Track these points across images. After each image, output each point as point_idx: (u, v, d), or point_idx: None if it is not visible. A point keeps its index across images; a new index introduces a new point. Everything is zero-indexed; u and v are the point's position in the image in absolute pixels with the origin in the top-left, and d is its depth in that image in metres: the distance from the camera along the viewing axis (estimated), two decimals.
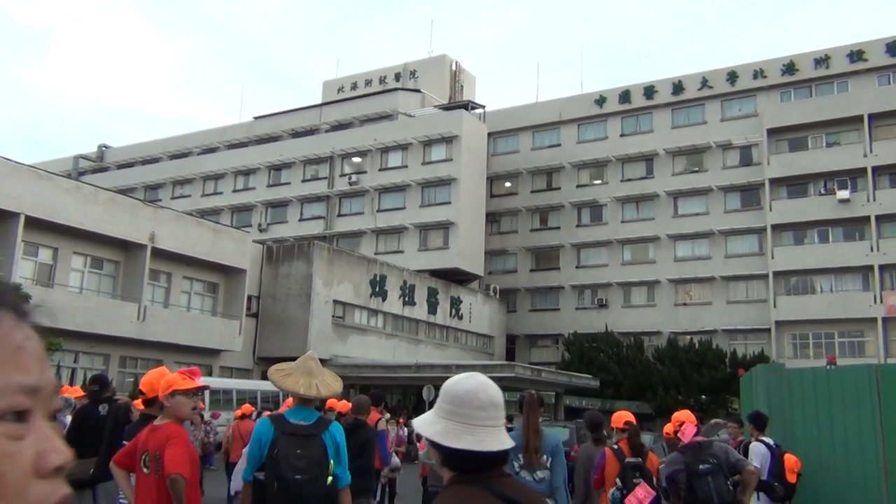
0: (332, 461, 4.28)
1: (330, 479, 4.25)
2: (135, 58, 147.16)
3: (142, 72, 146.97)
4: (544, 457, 5.30)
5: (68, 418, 8.81)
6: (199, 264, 31.00)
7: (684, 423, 6.17)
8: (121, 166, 61.31)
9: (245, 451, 5.28)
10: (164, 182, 56.82)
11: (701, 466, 5.53)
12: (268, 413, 5.42)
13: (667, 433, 10.47)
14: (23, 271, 25.23)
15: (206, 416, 20.51)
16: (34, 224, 25.07)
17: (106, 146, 64.17)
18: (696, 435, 5.95)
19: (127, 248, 28.48)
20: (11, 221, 24.53)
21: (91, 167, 61.90)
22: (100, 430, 6.97)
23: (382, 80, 56.36)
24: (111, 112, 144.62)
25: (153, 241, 28.39)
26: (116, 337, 27.14)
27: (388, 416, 15.31)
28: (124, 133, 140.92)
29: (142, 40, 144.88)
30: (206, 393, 21.20)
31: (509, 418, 30.65)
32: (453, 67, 56.91)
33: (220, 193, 53.93)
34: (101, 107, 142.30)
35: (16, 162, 25.42)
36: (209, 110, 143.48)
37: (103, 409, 7.57)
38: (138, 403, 5.77)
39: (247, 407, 14.38)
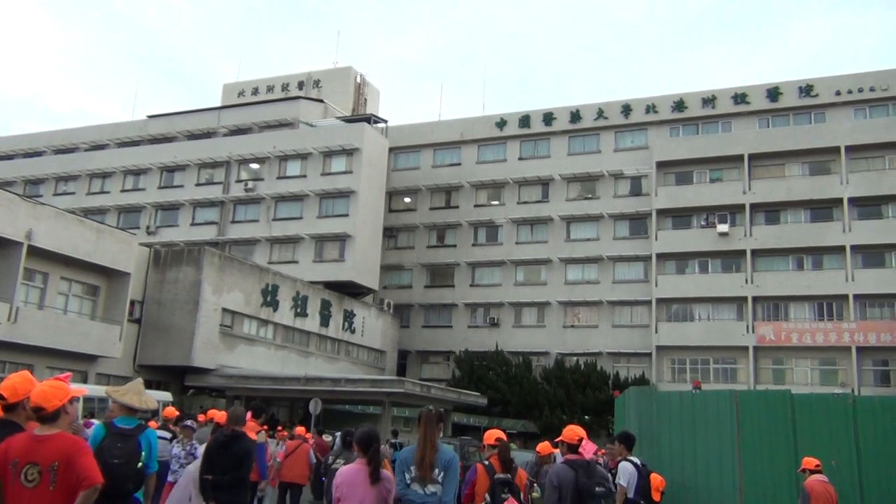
0: (143, 453, 5.94)
1: (140, 464, 5.89)
2: (25, 43, 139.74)
3: (32, 59, 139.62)
4: (436, 471, 5.37)
5: None
6: (80, 265, 29.56)
7: (583, 438, 6.27)
8: None
9: None
10: (46, 177, 54.13)
11: (597, 488, 5.62)
12: (102, 420, 6.90)
13: (540, 450, 10.76)
14: None
15: (78, 424, 19.67)
16: None
17: None
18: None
19: (0, 244, 26.91)
20: None
21: None
22: None
23: (285, 88, 55.70)
24: None
25: (30, 239, 26.90)
26: None
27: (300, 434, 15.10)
28: (10, 124, 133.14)
29: (34, 25, 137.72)
30: (80, 400, 20.24)
31: (394, 433, 30.47)
32: (358, 80, 56.82)
33: (108, 193, 51.77)
34: None
35: None
36: (103, 105, 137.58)
37: None
38: None
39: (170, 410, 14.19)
